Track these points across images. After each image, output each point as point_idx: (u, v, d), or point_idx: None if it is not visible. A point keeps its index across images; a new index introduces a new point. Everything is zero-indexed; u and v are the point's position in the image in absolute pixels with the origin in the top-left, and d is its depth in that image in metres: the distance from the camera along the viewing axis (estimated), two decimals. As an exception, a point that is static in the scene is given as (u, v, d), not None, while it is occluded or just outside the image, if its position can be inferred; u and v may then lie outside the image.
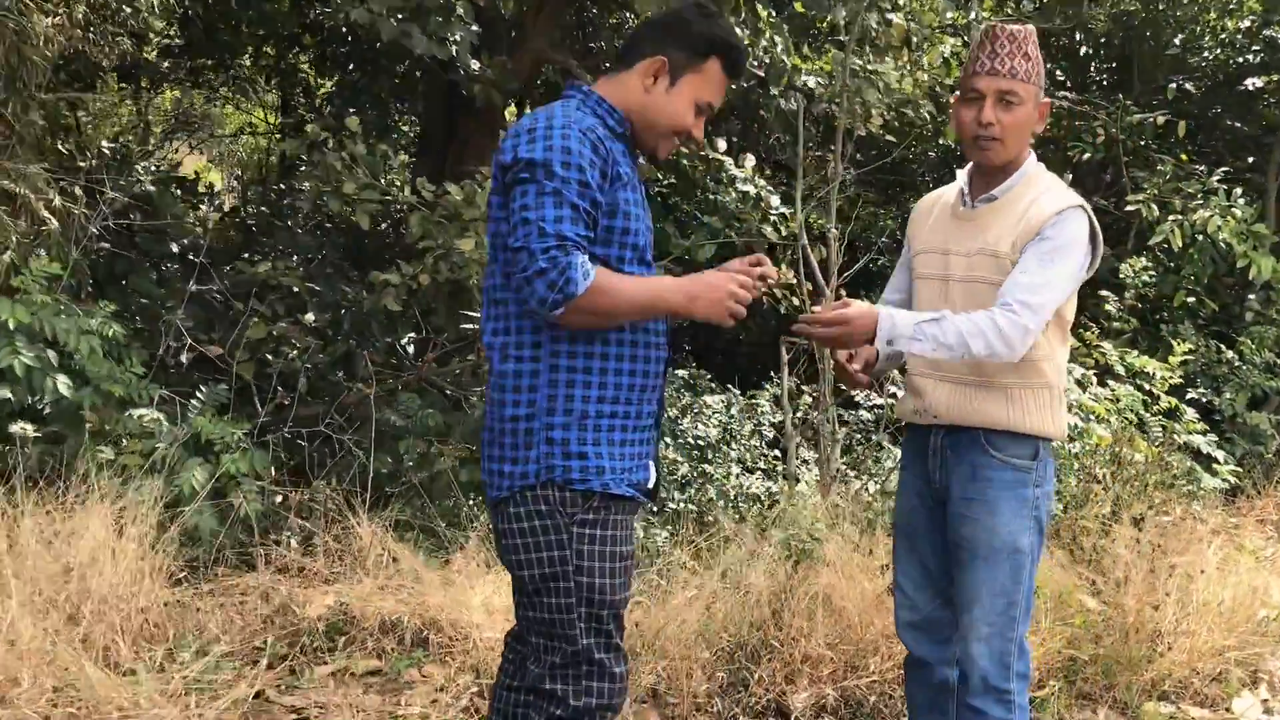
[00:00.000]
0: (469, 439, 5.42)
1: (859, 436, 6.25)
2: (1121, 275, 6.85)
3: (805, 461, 6.13)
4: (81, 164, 6.66)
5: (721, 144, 6.63)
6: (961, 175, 2.84)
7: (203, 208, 8.71)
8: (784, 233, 6.41)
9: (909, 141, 8.27)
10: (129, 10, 7.44)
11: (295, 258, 7.42)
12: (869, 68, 6.69)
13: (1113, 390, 5.45)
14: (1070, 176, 7.82)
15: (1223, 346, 7.64)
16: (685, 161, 7.28)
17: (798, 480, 5.64)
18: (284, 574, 4.35)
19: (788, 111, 7.07)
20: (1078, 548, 4.49)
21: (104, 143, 8.04)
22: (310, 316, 6.29)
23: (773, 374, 6.61)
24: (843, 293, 5.52)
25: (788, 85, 6.86)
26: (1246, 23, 9.37)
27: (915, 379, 2.83)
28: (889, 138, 8.09)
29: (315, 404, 5.62)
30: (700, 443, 6.11)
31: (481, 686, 3.70)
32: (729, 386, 6.90)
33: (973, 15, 7.14)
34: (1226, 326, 8.19)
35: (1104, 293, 6.87)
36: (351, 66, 9.27)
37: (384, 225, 8.24)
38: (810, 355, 5.92)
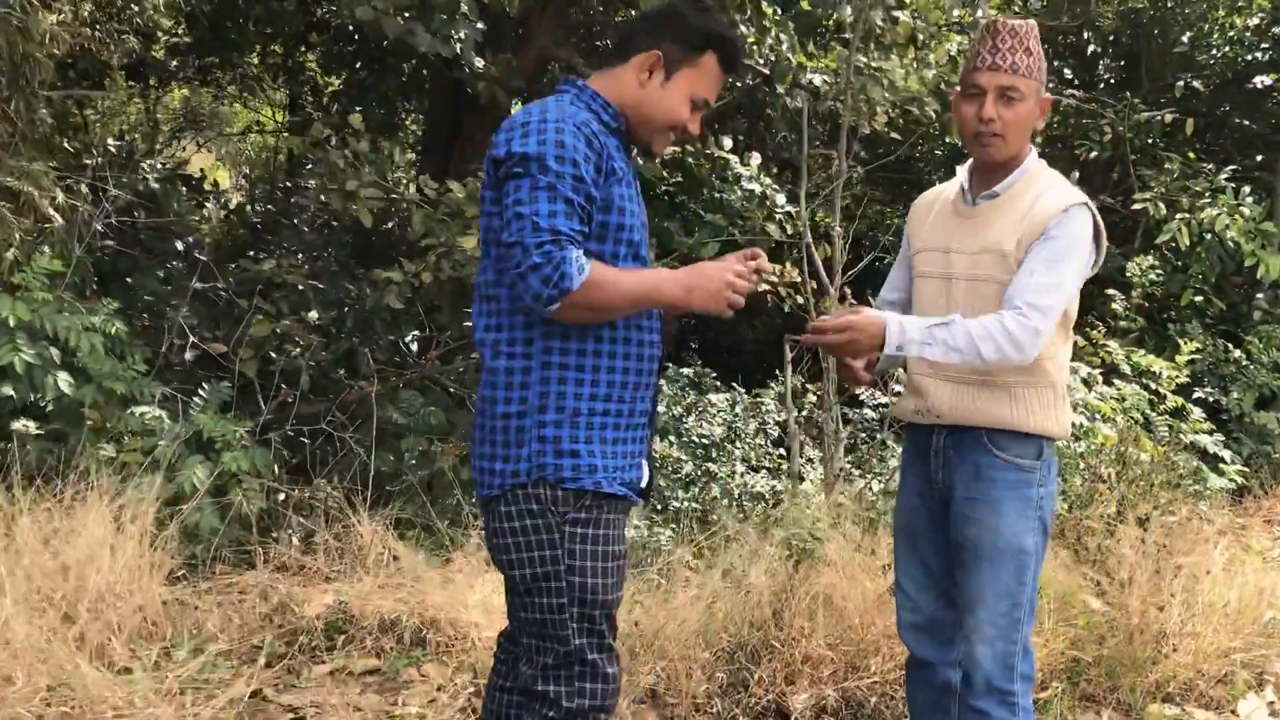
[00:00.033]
0: (471, 437, 5.40)
1: (863, 435, 6.22)
2: (1128, 274, 6.80)
3: (810, 460, 6.11)
4: (88, 162, 6.67)
5: (727, 142, 6.61)
6: (961, 172, 2.80)
7: (208, 205, 8.74)
8: (789, 231, 6.39)
9: (915, 139, 8.24)
10: (136, 8, 7.45)
11: (300, 255, 7.43)
12: (875, 65, 6.66)
13: (1119, 389, 5.41)
14: (1077, 175, 7.77)
15: (1230, 346, 7.59)
16: (691, 159, 7.25)
17: (802, 479, 5.62)
18: (283, 572, 4.34)
19: (793, 109, 7.05)
20: (1082, 548, 4.45)
21: (111, 141, 8.06)
22: (314, 314, 6.30)
23: (777, 372, 6.58)
24: (847, 292, 5.49)
25: (793, 83, 6.85)
26: (1255, 20, 9.33)
27: (917, 379, 2.80)
28: (895, 136, 8.06)
29: (317, 402, 5.63)
30: (705, 441, 6.09)
31: (479, 686, 3.67)
32: (734, 385, 6.89)
33: (979, 13, 7.09)
34: (1234, 325, 8.14)
35: (1111, 291, 6.83)
36: (359, 65, 9.29)
37: (389, 224, 8.24)
38: (814, 354, 5.89)
